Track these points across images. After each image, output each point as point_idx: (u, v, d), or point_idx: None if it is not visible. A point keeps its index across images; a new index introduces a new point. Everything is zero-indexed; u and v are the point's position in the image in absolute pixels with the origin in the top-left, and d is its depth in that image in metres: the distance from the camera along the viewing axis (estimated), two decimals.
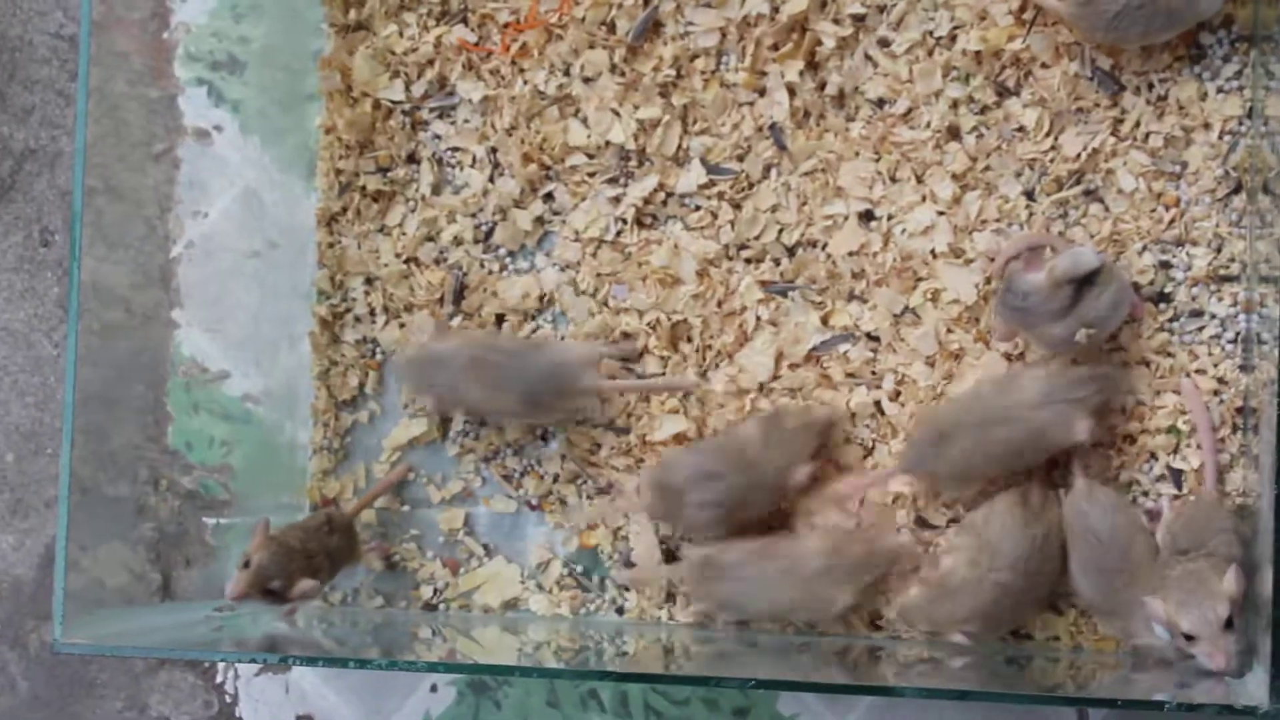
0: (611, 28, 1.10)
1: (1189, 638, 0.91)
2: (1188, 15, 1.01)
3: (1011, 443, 1.00)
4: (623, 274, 1.10)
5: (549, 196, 1.11)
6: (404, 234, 1.13)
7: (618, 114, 1.09)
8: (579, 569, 1.11)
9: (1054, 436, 1.00)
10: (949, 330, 1.05)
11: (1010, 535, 0.99)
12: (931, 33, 1.07)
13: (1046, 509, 1.01)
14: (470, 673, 1.08)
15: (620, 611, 1.10)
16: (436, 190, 1.13)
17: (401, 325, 1.13)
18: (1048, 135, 1.05)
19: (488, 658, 1.01)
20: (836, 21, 1.07)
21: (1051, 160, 1.05)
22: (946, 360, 1.05)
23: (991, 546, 0.99)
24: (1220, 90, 1.04)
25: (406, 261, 1.13)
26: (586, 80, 1.10)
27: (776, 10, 1.07)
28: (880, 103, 1.07)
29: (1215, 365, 1.03)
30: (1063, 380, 1.00)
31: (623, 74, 1.10)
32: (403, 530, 1.13)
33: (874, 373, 1.06)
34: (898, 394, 1.06)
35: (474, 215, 1.12)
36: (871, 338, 1.06)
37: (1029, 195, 1.05)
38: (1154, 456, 1.03)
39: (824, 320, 1.07)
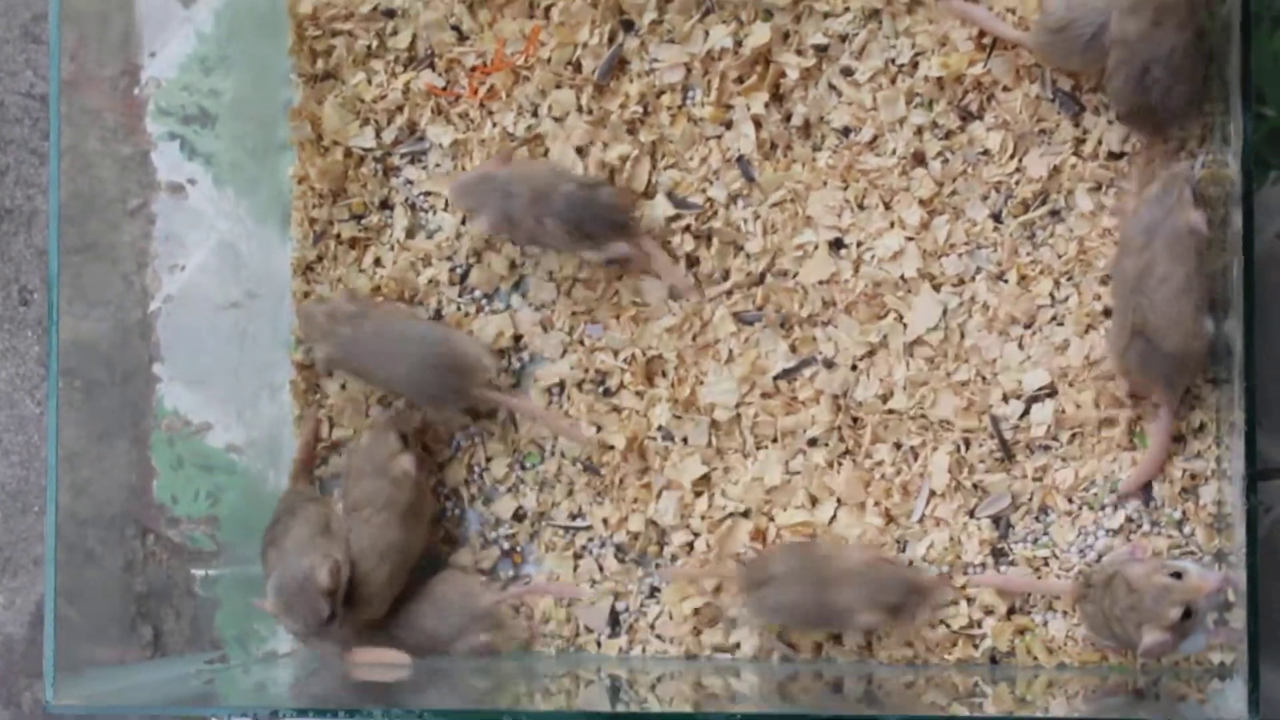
0: (578, 67, 1.11)
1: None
2: None
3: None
4: (597, 312, 1.11)
5: None
6: (380, 274, 1.13)
7: (586, 152, 1.10)
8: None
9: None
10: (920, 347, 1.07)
11: None
12: (894, 60, 1.08)
13: None
14: (459, 719, 1.08)
15: (598, 645, 1.10)
16: (411, 235, 1.13)
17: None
18: (1012, 157, 1.06)
19: (474, 702, 1.02)
20: (799, 52, 1.08)
21: (1017, 182, 1.06)
22: (917, 389, 1.07)
23: None
24: None
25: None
26: (555, 120, 1.11)
27: (740, 44, 1.08)
28: (846, 131, 1.08)
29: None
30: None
31: (590, 112, 1.10)
32: None
33: (845, 393, 1.07)
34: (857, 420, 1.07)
35: (449, 258, 1.13)
36: (829, 364, 1.07)
37: (996, 218, 1.06)
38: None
39: (793, 348, 1.08)
